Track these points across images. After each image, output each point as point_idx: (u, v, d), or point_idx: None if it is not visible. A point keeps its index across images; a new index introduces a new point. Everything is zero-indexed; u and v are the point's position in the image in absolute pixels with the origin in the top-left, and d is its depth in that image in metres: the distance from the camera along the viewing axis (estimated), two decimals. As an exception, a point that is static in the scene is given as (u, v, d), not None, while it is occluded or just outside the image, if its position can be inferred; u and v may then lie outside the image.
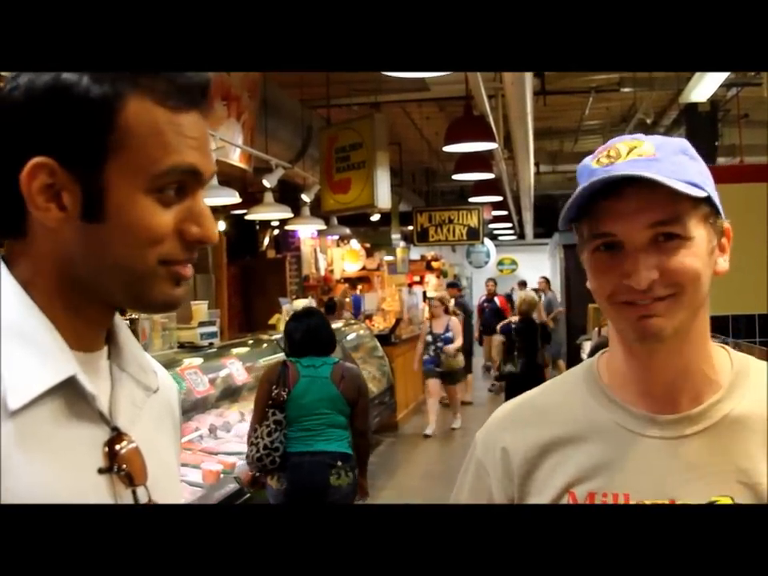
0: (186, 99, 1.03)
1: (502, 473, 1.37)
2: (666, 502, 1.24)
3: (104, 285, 1.05)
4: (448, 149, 8.49)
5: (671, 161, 1.22)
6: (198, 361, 6.46)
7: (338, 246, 16.04)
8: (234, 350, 7.46)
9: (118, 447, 1.06)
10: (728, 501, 1.21)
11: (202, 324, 6.87)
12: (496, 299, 17.64)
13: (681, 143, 1.28)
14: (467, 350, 13.79)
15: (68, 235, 1.02)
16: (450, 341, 11.61)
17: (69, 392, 1.02)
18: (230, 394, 7.00)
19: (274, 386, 4.99)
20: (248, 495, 5.51)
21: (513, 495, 1.36)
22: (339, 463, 4.91)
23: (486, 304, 17.60)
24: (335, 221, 11.02)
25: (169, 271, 1.06)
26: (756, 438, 1.24)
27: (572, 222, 1.28)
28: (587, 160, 1.29)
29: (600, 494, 1.28)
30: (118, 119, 1.00)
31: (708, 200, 1.23)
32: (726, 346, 1.36)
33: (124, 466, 1.05)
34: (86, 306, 1.07)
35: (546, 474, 1.33)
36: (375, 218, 13.59)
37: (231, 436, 6.46)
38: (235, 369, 6.99)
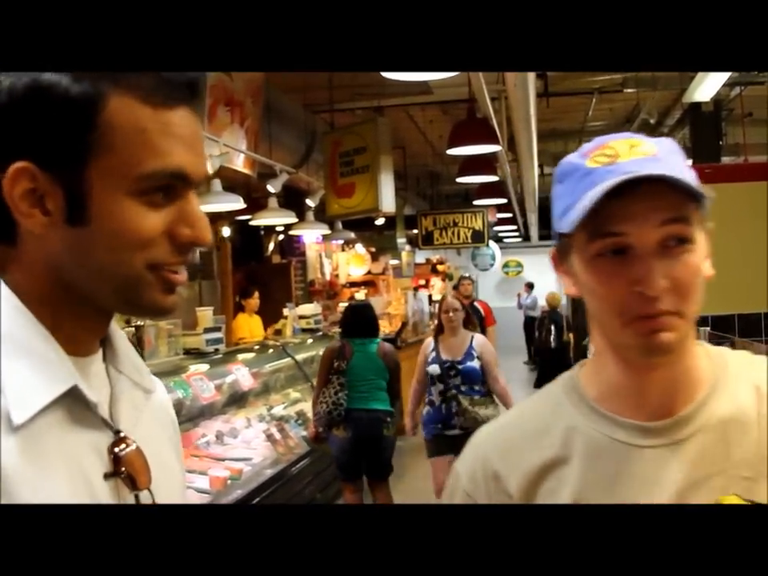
0: (173, 95, 1.00)
1: (497, 500, 1.28)
2: None
3: (93, 290, 1.02)
4: (452, 152, 8.46)
5: (672, 161, 1.17)
6: (204, 367, 6.47)
7: (343, 250, 16.03)
8: (240, 356, 7.46)
9: (119, 451, 1.04)
10: (737, 500, 1.16)
11: (207, 330, 6.87)
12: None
13: (671, 143, 1.23)
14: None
15: (55, 240, 0.99)
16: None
17: (71, 401, 1.00)
18: (237, 399, 7.01)
19: (335, 360, 6.55)
20: (257, 502, 5.53)
21: None
22: (388, 419, 6.58)
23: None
24: (340, 225, 11.03)
25: (158, 276, 1.02)
26: (749, 429, 1.20)
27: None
28: (575, 159, 1.22)
29: None
30: (98, 119, 0.96)
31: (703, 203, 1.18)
32: (701, 341, 1.30)
33: (124, 468, 1.04)
34: (80, 312, 1.05)
35: (544, 500, 1.25)
36: (380, 221, 13.57)
37: (238, 442, 6.47)
38: (241, 375, 6.99)
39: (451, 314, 6.58)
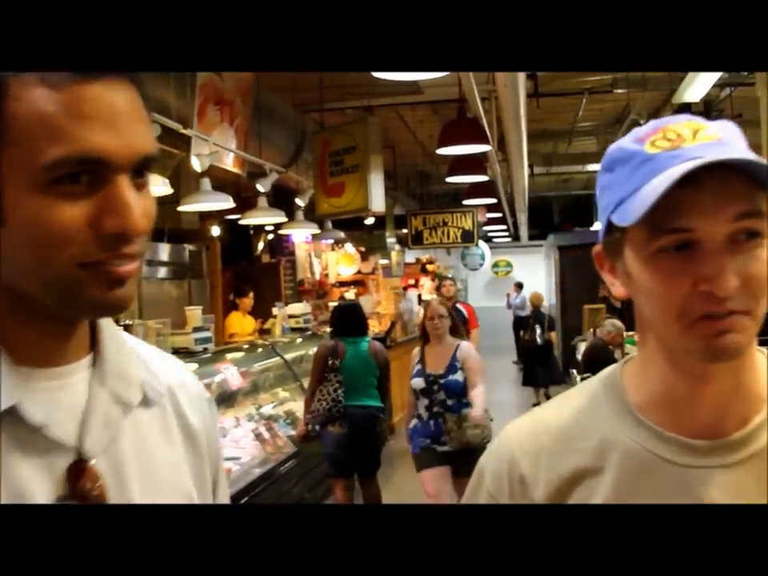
0: (81, 70, 0.89)
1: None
2: None
3: (28, 292, 0.93)
4: (442, 151, 8.46)
5: (739, 146, 1.06)
6: (193, 366, 6.45)
7: (333, 249, 16.03)
8: (229, 355, 7.45)
9: (77, 472, 0.96)
10: None
11: (196, 329, 6.86)
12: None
13: (734, 126, 1.09)
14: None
15: None
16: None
17: (14, 421, 0.92)
18: (225, 399, 6.99)
19: (329, 358, 6.61)
20: (245, 501, 5.53)
21: None
22: (380, 415, 6.74)
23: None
24: (330, 225, 11.02)
25: (96, 273, 0.92)
26: None
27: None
28: (630, 144, 1.09)
29: None
30: None
31: None
32: (762, 349, 1.16)
33: (85, 490, 0.95)
34: (32, 317, 0.96)
35: None
36: (370, 221, 13.58)
37: (227, 441, 6.45)
38: (230, 374, 6.97)
39: (436, 320, 6.17)
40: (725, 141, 1.04)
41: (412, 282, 19.16)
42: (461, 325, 6.87)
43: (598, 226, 1.20)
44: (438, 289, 12.34)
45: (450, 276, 12.26)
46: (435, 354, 6.18)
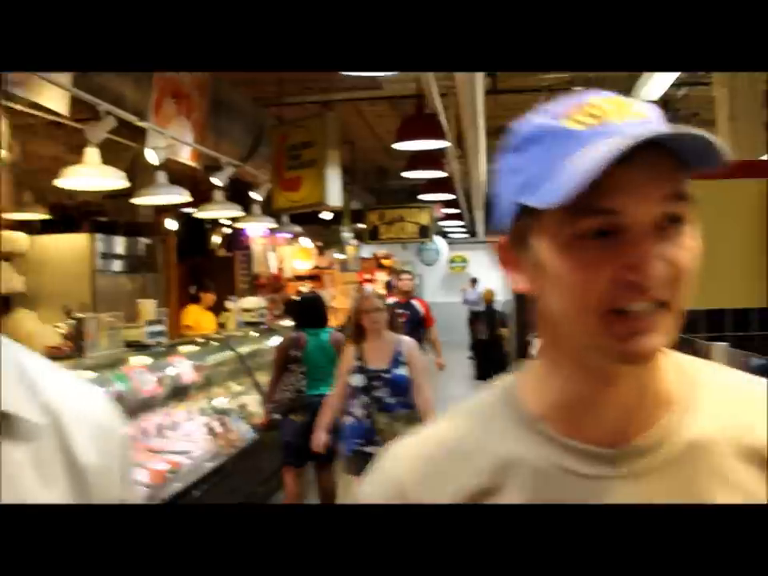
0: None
1: None
2: None
3: None
4: (399, 147, 8.46)
5: (665, 126, 0.96)
6: (145, 360, 6.41)
7: (289, 244, 15.98)
8: (182, 349, 7.41)
9: None
10: None
11: (149, 323, 6.81)
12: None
13: (656, 107, 1.00)
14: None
15: None
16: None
17: None
18: (178, 392, 6.95)
19: (291, 349, 6.82)
20: (196, 495, 5.51)
21: None
22: None
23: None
24: (286, 219, 10.98)
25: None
26: (724, 462, 1.00)
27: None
28: (546, 120, 0.99)
29: None
30: None
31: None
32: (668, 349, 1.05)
33: None
34: None
35: None
36: (326, 216, 13.54)
37: (179, 435, 6.41)
38: (183, 368, 6.94)
39: (375, 314, 5.75)
40: (651, 119, 0.97)
41: (368, 277, 19.17)
42: (397, 319, 6.43)
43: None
44: (391, 284, 12.23)
45: (408, 270, 12.08)
46: (375, 349, 5.75)
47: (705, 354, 4.07)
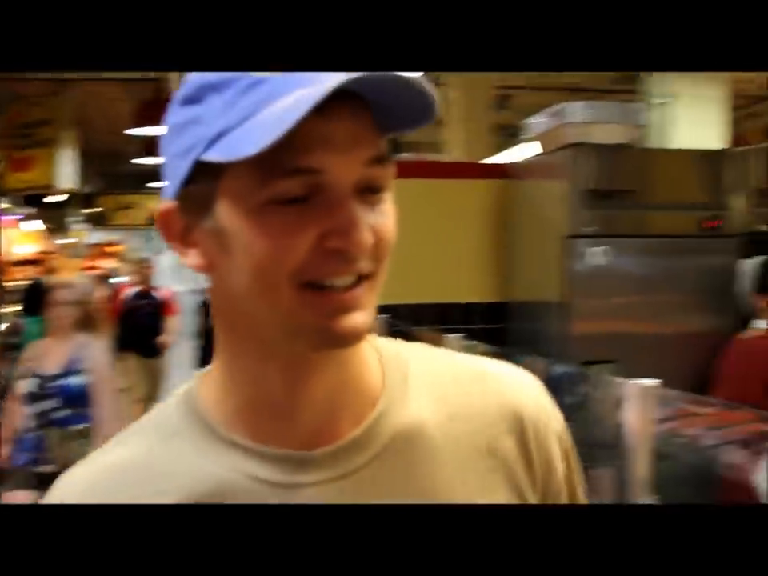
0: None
1: None
2: None
3: None
4: (136, 132, 8.42)
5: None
6: None
7: (16, 226, 15.40)
8: None
9: None
10: None
11: None
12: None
13: None
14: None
15: None
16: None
17: None
18: None
19: (9, 336, 6.53)
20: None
21: None
22: None
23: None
24: (14, 200, 10.65)
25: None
26: (439, 445, 0.93)
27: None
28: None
29: None
30: None
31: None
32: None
33: None
34: None
35: None
36: (56, 198, 13.19)
37: None
38: None
39: (60, 308, 4.74)
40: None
41: (91, 264, 18.73)
42: (96, 316, 5.19)
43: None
44: (107, 274, 11.88)
45: (147, 257, 11.73)
46: (53, 350, 4.71)
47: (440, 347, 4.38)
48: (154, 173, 7.76)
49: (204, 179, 0.84)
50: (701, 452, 3.41)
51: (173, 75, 7.22)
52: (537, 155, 5.36)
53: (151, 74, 8.16)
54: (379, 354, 0.97)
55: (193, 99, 0.85)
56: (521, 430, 0.96)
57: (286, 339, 0.86)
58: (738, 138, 9.24)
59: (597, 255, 4.73)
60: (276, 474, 0.88)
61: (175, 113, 0.88)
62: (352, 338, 0.84)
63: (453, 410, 0.95)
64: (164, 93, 8.08)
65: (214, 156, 0.81)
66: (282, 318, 0.84)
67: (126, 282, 11.20)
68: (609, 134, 4.90)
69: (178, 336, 10.09)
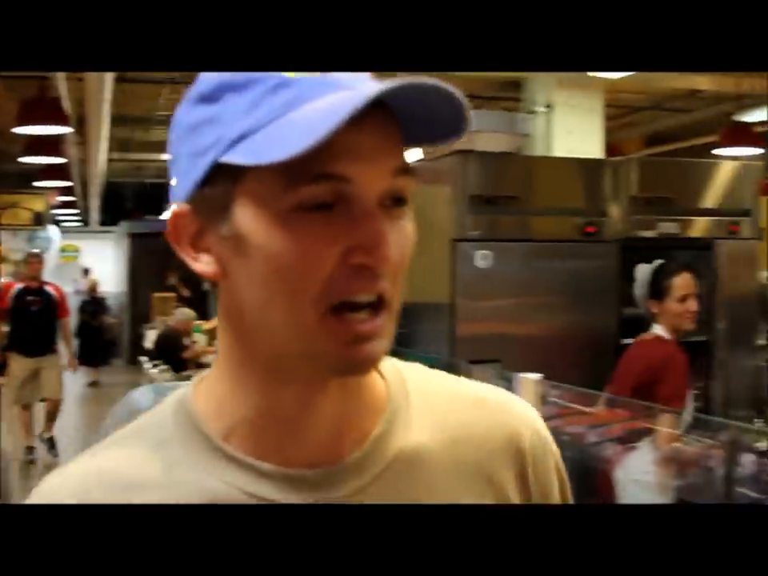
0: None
1: None
2: None
3: None
4: (19, 131, 8.23)
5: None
6: None
7: None
8: None
9: None
10: None
11: None
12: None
13: None
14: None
15: None
16: None
17: None
18: None
19: None
20: None
21: None
22: None
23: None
24: None
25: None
26: (438, 468, 0.90)
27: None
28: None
29: None
30: None
31: None
32: None
33: None
34: None
35: None
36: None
37: None
38: None
39: None
40: (371, 76, 0.83)
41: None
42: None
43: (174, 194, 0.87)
44: (15, 269, 11.56)
45: (37, 252, 11.10)
46: None
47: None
48: (39, 172, 7.79)
49: (222, 181, 0.80)
50: (582, 449, 3.58)
51: (59, 74, 7.11)
52: (420, 160, 5.45)
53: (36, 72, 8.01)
54: (380, 371, 0.93)
55: (209, 98, 0.82)
56: (521, 461, 0.95)
57: (301, 360, 0.82)
58: (614, 147, 9.59)
59: (482, 258, 4.88)
60: (273, 492, 0.84)
61: (188, 111, 0.84)
62: (371, 365, 0.82)
63: (453, 434, 0.92)
64: (49, 91, 7.93)
65: (237, 158, 0.78)
66: (300, 340, 0.80)
67: (9, 280, 10.58)
68: (494, 142, 5.06)
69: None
